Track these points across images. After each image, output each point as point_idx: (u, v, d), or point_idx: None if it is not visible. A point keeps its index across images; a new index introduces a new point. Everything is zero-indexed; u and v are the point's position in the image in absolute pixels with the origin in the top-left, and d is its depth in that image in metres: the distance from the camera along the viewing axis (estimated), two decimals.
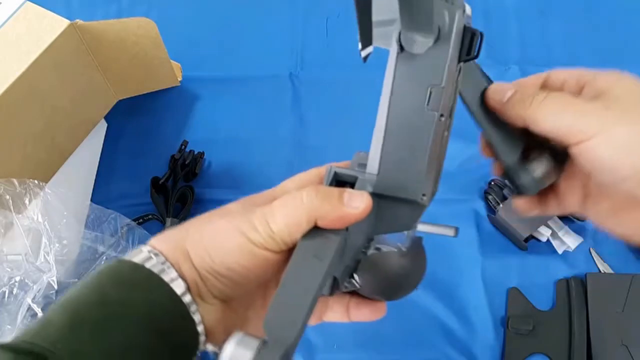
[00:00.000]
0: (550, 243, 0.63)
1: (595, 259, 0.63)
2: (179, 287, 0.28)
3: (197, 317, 0.28)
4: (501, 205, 0.64)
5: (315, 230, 0.29)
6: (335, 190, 0.30)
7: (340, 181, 0.32)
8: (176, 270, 0.28)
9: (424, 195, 0.31)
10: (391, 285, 0.34)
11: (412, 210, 0.32)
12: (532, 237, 0.63)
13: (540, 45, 0.80)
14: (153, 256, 0.28)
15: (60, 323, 0.25)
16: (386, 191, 0.31)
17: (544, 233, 0.62)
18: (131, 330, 0.26)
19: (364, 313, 0.34)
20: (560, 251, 0.63)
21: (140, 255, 0.28)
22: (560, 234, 0.63)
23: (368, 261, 0.33)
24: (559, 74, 0.36)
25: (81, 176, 0.70)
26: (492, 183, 0.67)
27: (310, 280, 0.27)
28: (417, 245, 0.34)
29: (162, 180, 0.67)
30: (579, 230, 0.64)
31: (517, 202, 0.37)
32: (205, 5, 0.85)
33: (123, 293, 0.27)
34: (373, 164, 0.32)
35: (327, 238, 0.29)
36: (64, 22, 0.61)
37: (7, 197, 0.56)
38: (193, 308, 0.28)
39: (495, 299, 0.62)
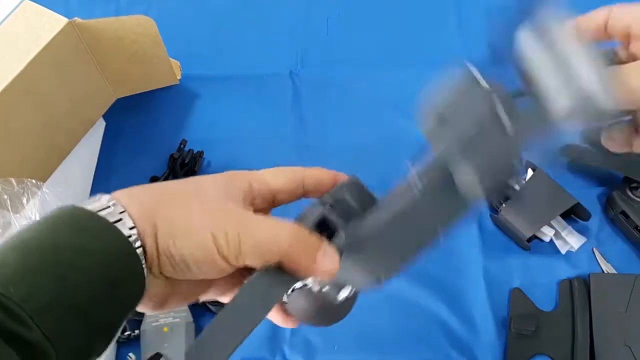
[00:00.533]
0: (553, 243, 0.63)
1: (598, 259, 0.63)
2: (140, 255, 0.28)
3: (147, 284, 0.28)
4: (504, 204, 0.63)
5: (276, 268, 0.29)
6: (314, 244, 0.30)
7: (323, 223, 0.32)
8: (140, 240, 0.28)
9: (384, 280, 0.32)
10: (311, 318, 0.35)
11: (368, 281, 0.32)
12: (534, 237, 0.62)
13: None
14: (123, 218, 0.28)
15: (12, 266, 0.25)
16: (356, 260, 0.31)
17: (547, 233, 0.62)
18: (85, 277, 0.26)
19: (278, 318, 0.35)
20: (563, 251, 0.63)
21: (100, 206, 0.28)
22: (563, 234, 0.62)
23: (304, 290, 0.33)
24: (620, 18, 0.34)
25: (79, 175, 0.69)
26: None
27: (245, 325, 0.28)
28: (353, 296, 0.35)
29: (161, 180, 0.67)
30: (582, 231, 0.63)
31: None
32: (205, 3, 0.85)
33: (85, 239, 0.26)
34: (364, 229, 0.31)
35: (281, 281, 0.29)
36: (63, 20, 0.61)
37: (5, 196, 0.56)
38: (146, 274, 0.28)
39: (498, 299, 0.61)
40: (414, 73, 0.77)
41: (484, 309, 0.61)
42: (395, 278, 0.37)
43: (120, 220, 0.27)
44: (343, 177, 0.38)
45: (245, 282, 0.29)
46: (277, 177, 0.35)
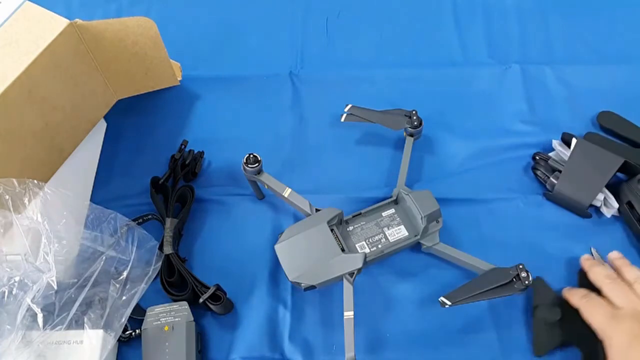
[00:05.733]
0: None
1: (595, 259, 0.63)
2: None
3: None
4: (551, 178, 0.65)
5: None
6: None
7: None
8: None
9: None
10: None
11: None
12: (591, 205, 0.64)
13: (541, 44, 0.80)
14: None
15: None
16: None
17: (599, 198, 0.64)
18: None
19: None
20: (609, 215, 0.64)
21: None
22: (607, 197, 0.64)
23: None
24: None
25: (81, 176, 0.70)
26: (537, 158, 0.68)
27: None
28: None
29: (162, 180, 0.67)
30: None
31: None
32: (205, 4, 0.85)
33: None
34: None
35: None
36: (64, 22, 0.61)
37: (7, 197, 0.56)
38: None
39: None
40: (414, 73, 0.78)
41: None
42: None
43: None
44: None
45: None
46: None
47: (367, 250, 0.61)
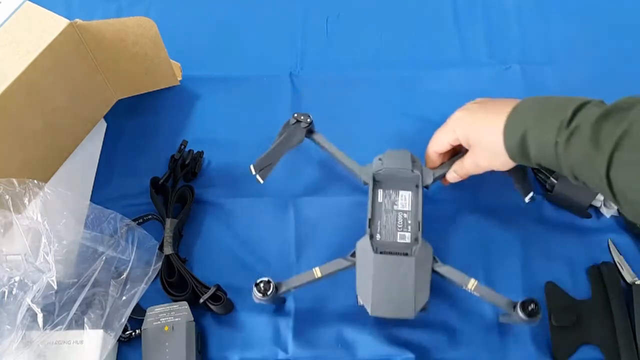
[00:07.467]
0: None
1: (612, 250, 0.63)
2: None
3: None
4: (551, 178, 0.65)
5: None
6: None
7: None
8: None
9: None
10: None
11: None
12: (591, 205, 0.65)
13: (541, 44, 0.80)
14: None
15: None
16: None
17: (599, 198, 0.64)
18: None
19: None
20: (608, 215, 0.65)
21: None
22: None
23: None
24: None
25: (81, 176, 0.70)
26: None
27: None
28: None
29: (161, 180, 0.67)
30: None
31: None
32: (205, 4, 0.85)
33: None
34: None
35: None
36: (64, 22, 0.61)
37: (7, 197, 0.56)
38: None
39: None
40: (414, 73, 0.78)
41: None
42: None
43: None
44: None
45: None
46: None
47: (408, 235, 0.57)
